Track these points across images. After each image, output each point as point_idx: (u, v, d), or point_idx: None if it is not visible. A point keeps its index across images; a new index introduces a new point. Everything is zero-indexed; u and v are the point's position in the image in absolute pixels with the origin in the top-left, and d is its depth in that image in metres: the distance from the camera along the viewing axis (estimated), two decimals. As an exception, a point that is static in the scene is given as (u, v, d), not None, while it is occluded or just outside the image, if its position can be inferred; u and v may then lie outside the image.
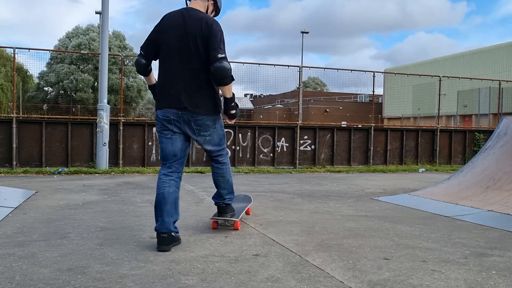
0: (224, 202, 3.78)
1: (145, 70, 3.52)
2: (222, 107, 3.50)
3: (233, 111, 3.48)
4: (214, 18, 3.48)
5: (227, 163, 3.73)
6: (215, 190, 3.82)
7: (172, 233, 3.22)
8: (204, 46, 3.25)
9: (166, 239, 3.17)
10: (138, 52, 3.56)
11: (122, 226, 3.95)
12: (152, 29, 3.46)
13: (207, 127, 3.43)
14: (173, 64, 3.34)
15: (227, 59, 3.25)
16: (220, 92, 3.44)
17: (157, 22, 3.44)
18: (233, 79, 3.32)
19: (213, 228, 3.90)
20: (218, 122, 3.51)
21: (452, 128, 13.77)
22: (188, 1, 3.56)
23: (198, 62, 3.29)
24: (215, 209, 4.90)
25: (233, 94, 3.44)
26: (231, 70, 3.27)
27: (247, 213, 4.43)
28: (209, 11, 3.54)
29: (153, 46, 3.41)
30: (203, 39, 3.25)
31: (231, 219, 3.83)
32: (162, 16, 3.46)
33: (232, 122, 3.61)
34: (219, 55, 3.21)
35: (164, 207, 3.26)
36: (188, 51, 3.29)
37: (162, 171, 3.47)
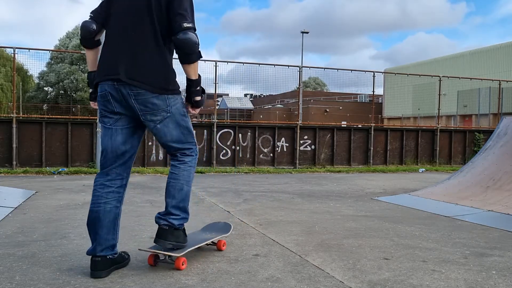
0: (167, 221, 2.67)
1: (92, 39, 2.68)
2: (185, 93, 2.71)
3: (198, 98, 2.68)
4: None
5: (189, 165, 2.76)
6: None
7: (108, 256, 2.59)
8: (166, 5, 2.53)
9: (100, 263, 2.55)
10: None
11: (122, 226, 3.93)
12: None
13: (154, 108, 2.56)
14: (120, 26, 2.60)
15: (194, 30, 2.55)
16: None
17: None
18: (201, 56, 2.59)
19: (149, 264, 2.77)
20: (174, 105, 2.62)
21: (452, 128, 13.77)
22: None
23: (152, 23, 2.54)
24: (215, 209, 4.90)
25: (199, 76, 2.66)
26: (198, 44, 2.55)
27: (218, 247, 3.16)
28: None
29: (105, 6, 2.68)
30: (161, 5, 2.53)
31: (171, 254, 2.66)
32: None
33: (196, 112, 2.77)
34: (185, 24, 2.49)
35: (99, 230, 2.60)
36: (141, 8, 2.56)
37: (98, 179, 2.69)
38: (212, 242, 3.11)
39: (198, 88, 2.68)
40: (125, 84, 2.52)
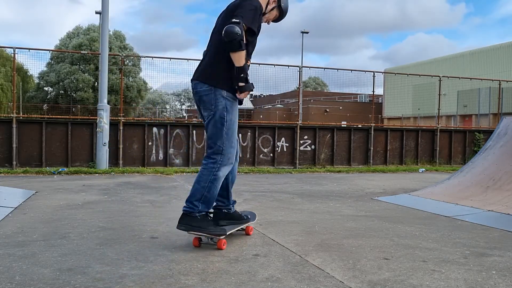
0: (184, 208, 3.25)
1: None
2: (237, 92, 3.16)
3: (242, 84, 3.10)
4: (268, 10, 3.35)
5: (211, 169, 3.19)
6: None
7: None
8: (230, 15, 3.10)
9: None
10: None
11: (122, 226, 3.95)
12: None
13: (206, 105, 3.17)
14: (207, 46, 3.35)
15: (241, 24, 2.96)
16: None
17: None
18: (241, 47, 2.97)
19: (194, 245, 3.27)
20: (217, 106, 3.13)
21: (452, 128, 13.77)
22: None
23: (216, 41, 3.19)
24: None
25: (246, 66, 3.10)
26: (240, 35, 2.94)
27: (247, 232, 3.64)
28: (268, 7, 3.38)
29: None
30: (231, 10, 3.15)
31: (213, 236, 3.18)
32: None
33: (241, 96, 3.18)
34: (234, 19, 2.99)
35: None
36: (218, 24, 3.24)
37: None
38: (241, 228, 3.54)
39: (242, 75, 3.06)
40: (192, 81, 3.29)
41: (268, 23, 3.56)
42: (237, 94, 3.18)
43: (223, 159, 3.22)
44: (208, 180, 3.20)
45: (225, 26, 2.97)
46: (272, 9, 3.42)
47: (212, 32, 3.31)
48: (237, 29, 2.93)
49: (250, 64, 3.39)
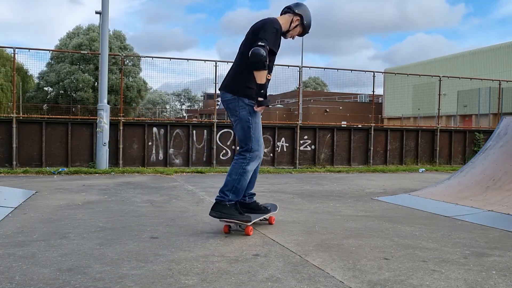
0: (216, 197, 3.67)
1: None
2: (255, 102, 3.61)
3: (261, 99, 3.56)
4: (278, 20, 3.71)
5: (241, 164, 3.66)
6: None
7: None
8: (254, 37, 3.54)
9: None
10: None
11: (122, 226, 3.95)
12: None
13: (231, 111, 3.70)
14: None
15: (266, 48, 3.41)
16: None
17: None
18: (265, 68, 3.43)
19: (224, 232, 3.72)
20: (241, 111, 3.65)
21: (452, 128, 13.77)
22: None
23: (244, 51, 3.60)
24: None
25: (266, 83, 3.54)
26: (264, 57, 3.37)
27: (270, 221, 4.09)
28: (292, 25, 3.81)
29: None
30: (256, 31, 3.57)
31: (242, 223, 3.62)
32: None
33: (258, 109, 3.63)
34: (260, 42, 3.43)
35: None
36: (243, 42, 3.73)
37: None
38: (264, 218, 3.97)
39: (262, 91, 3.52)
40: (220, 91, 3.80)
41: (293, 38, 3.99)
42: (254, 108, 3.62)
43: (252, 156, 3.69)
44: (238, 173, 3.65)
45: (251, 48, 3.42)
46: (295, 27, 3.84)
47: (239, 49, 3.77)
48: (262, 51, 3.37)
49: (270, 79, 3.77)
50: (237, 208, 3.66)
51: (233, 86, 3.66)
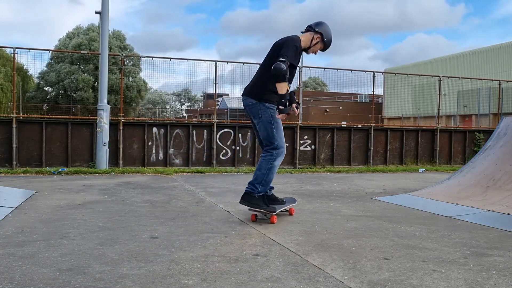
0: (246, 189, 4.18)
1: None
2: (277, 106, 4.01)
3: (282, 107, 3.93)
4: (299, 38, 4.18)
5: (269, 160, 4.13)
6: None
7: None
8: (276, 52, 4.01)
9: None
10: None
11: (122, 226, 3.95)
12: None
13: (254, 114, 4.19)
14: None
15: (286, 63, 3.86)
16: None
17: None
18: (285, 80, 3.87)
19: (252, 220, 4.24)
20: (263, 114, 4.12)
21: (452, 128, 13.77)
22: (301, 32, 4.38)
23: (266, 63, 4.11)
24: (215, 209, 4.91)
25: (286, 94, 3.92)
26: (285, 71, 3.83)
27: (290, 213, 4.57)
28: (313, 42, 4.28)
29: None
30: (278, 48, 4.04)
31: (267, 213, 4.17)
32: None
33: (280, 117, 3.99)
34: (281, 58, 3.88)
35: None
36: (267, 55, 4.19)
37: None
38: (285, 209, 4.42)
39: (283, 100, 3.89)
40: (243, 96, 4.33)
41: (315, 53, 4.43)
42: (276, 115, 4.01)
43: (278, 152, 4.14)
44: (267, 168, 4.12)
45: (272, 62, 3.90)
46: (316, 43, 4.29)
47: (263, 61, 4.22)
48: (283, 66, 3.81)
49: (289, 90, 4.12)
50: (264, 199, 4.16)
51: (255, 93, 4.15)
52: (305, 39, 4.24)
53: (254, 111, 4.17)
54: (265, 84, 4.08)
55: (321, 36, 4.27)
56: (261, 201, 4.13)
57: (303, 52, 4.39)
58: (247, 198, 4.14)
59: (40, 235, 3.54)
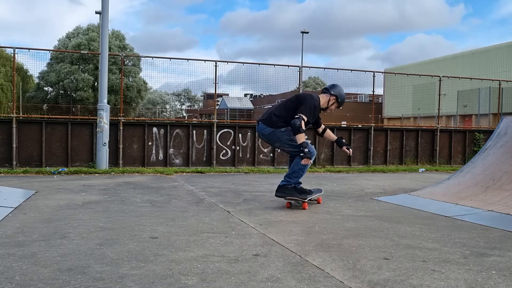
0: (281, 182, 5.05)
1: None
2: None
3: (302, 154, 4.79)
4: (319, 98, 5.10)
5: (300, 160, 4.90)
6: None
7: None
8: (296, 104, 4.96)
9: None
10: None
11: (122, 226, 3.95)
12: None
13: (274, 140, 5.12)
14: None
15: (302, 119, 4.73)
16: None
17: None
18: (300, 132, 4.72)
19: (287, 206, 5.09)
20: (282, 137, 5.02)
21: (452, 128, 13.76)
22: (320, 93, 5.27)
23: (287, 106, 5.04)
24: (215, 209, 4.92)
25: (304, 142, 4.78)
26: (299, 125, 4.70)
27: (318, 201, 5.39)
28: (330, 103, 5.18)
29: None
30: (299, 102, 4.97)
31: (299, 200, 5.02)
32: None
33: (304, 162, 4.83)
34: (298, 114, 4.80)
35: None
36: (290, 99, 5.17)
37: None
38: (313, 198, 5.25)
39: (301, 148, 4.78)
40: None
41: (332, 111, 5.44)
42: (301, 161, 4.85)
43: (310, 156, 4.88)
44: (302, 164, 4.91)
45: (290, 108, 4.95)
46: (332, 104, 5.20)
47: (287, 99, 5.20)
48: (298, 122, 4.70)
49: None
50: (296, 189, 5.00)
51: (271, 123, 4.99)
52: (323, 101, 5.14)
53: (272, 138, 5.04)
54: (281, 119, 4.96)
55: (336, 98, 5.18)
56: (294, 190, 4.97)
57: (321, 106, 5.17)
58: (282, 190, 4.99)
59: (40, 235, 3.54)
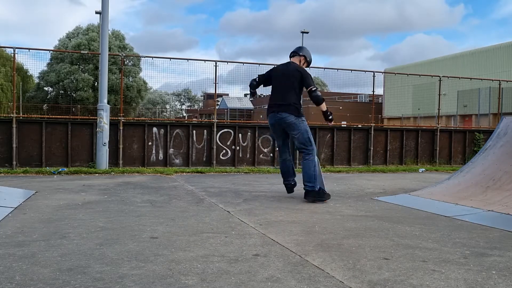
0: (304, 188, 5.45)
1: (254, 86, 5.93)
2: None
3: (330, 117, 5.68)
4: (304, 67, 5.74)
5: (311, 160, 5.44)
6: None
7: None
8: (298, 82, 5.54)
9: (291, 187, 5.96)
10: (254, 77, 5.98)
11: (122, 226, 3.95)
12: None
13: (294, 127, 5.50)
14: (278, 89, 5.68)
15: (317, 89, 5.50)
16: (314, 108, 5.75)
17: (271, 68, 6.06)
18: (324, 100, 5.55)
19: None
20: (302, 126, 5.49)
21: (452, 128, 13.76)
22: (290, 58, 5.85)
23: (294, 85, 5.55)
24: (215, 209, 4.92)
25: (327, 109, 5.64)
26: (322, 98, 5.51)
27: None
28: (301, 63, 5.78)
29: (266, 77, 5.86)
30: (303, 77, 5.52)
31: (320, 200, 5.42)
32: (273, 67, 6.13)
33: (330, 124, 5.87)
34: (313, 88, 5.49)
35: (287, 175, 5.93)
36: (290, 74, 5.60)
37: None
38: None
39: (328, 112, 5.68)
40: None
41: None
42: (329, 123, 5.82)
43: (313, 153, 5.51)
44: (312, 166, 5.42)
45: (299, 87, 5.60)
46: (303, 64, 5.83)
47: (284, 76, 5.62)
48: (319, 95, 5.48)
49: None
50: (319, 191, 5.42)
51: (293, 110, 5.47)
52: (297, 62, 5.76)
53: (295, 125, 5.45)
54: (299, 103, 5.50)
55: (305, 58, 5.80)
56: (322, 193, 5.43)
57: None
58: (312, 194, 5.37)
59: (40, 235, 3.54)
